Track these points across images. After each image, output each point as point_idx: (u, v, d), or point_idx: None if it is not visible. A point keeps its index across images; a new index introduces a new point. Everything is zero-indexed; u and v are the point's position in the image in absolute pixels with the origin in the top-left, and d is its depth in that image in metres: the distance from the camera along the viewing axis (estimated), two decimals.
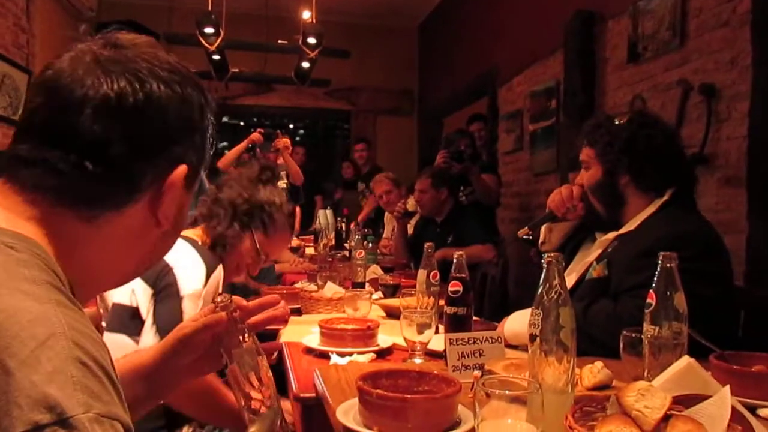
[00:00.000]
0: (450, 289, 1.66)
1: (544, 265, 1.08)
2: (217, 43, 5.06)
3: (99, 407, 0.55)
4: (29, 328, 0.56)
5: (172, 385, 1.06)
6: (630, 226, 1.83)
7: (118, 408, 0.57)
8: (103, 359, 0.59)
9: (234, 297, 1.03)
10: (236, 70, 6.20)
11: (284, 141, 5.14)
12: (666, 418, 0.92)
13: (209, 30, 4.96)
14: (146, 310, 1.63)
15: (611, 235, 1.87)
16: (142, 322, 1.62)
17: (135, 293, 1.64)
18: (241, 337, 0.98)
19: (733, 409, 0.94)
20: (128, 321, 1.63)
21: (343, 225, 4.82)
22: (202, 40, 4.99)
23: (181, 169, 0.76)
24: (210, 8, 5.10)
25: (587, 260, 1.89)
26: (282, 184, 5.35)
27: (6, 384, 0.53)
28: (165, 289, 1.63)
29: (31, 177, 0.70)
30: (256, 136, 5.03)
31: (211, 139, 0.83)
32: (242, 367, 0.95)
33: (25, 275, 0.61)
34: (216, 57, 5.53)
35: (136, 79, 0.72)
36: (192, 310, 1.60)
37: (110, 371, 0.59)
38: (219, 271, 1.74)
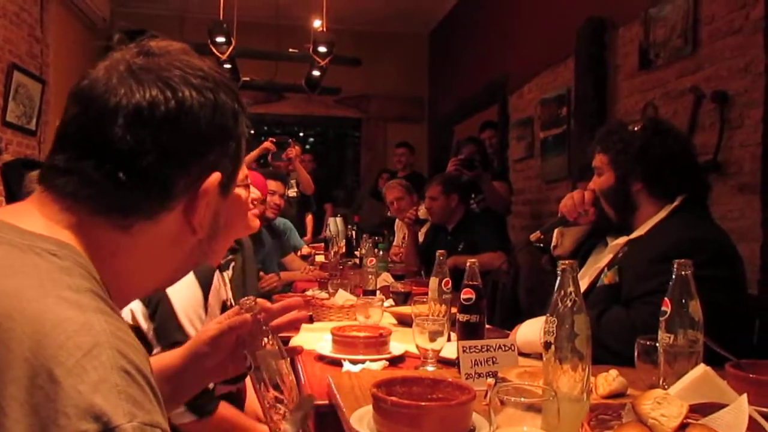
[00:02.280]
0: (463, 296, 1.65)
1: (559, 273, 1.08)
2: (228, 52, 5.09)
3: (142, 416, 0.56)
4: (74, 338, 0.57)
5: (196, 387, 1.08)
6: (641, 231, 1.82)
7: (159, 416, 0.59)
8: (144, 367, 0.60)
9: (258, 299, 1.04)
10: (247, 78, 6.23)
11: (296, 150, 5.16)
12: (683, 427, 0.91)
13: (220, 39, 4.99)
14: (146, 329, 1.60)
15: (622, 240, 1.86)
16: (147, 343, 1.58)
17: (133, 311, 1.61)
18: (264, 340, 0.98)
19: (750, 417, 0.94)
20: None
21: (354, 233, 4.82)
22: (214, 49, 5.02)
23: (215, 177, 0.76)
24: (221, 17, 5.14)
25: (599, 265, 1.89)
26: (292, 192, 5.38)
27: (54, 393, 0.54)
28: (159, 307, 1.59)
29: (67, 186, 0.70)
30: (268, 144, 5.05)
31: (245, 145, 0.83)
32: (266, 370, 0.96)
33: (68, 283, 0.62)
34: (227, 66, 5.56)
35: (168, 87, 0.72)
36: (191, 324, 1.59)
37: (151, 379, 0.60)
38: (217, 280, 1.72)
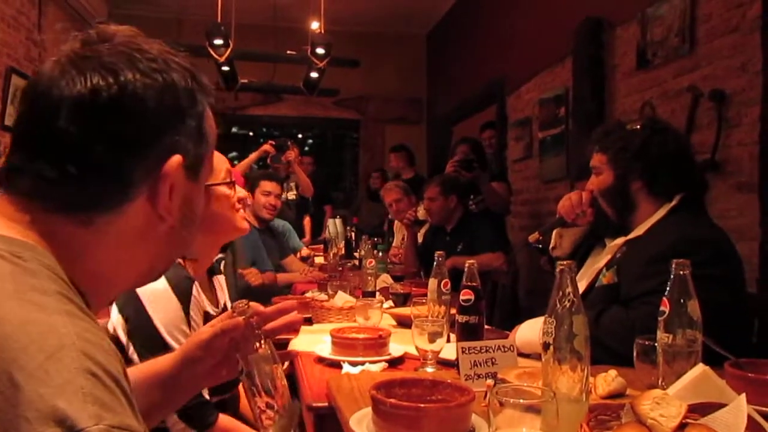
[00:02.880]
0: (462, 297, 1.65)
1: (557, 273, 1.08)
2: (226, 54, 5.09)
3: (110, 418, 0.54)
4: (38, 341, 0.55)
5: (189, 392, 1.06)
6: (639, 231, 1.82)
7: (130, 418, 0.56)
8: (114, 369, 0.58)
9: (251, 303, 1.03)
10: (245, 80, 6.23)
11: (294, 152, 5.16)
12: (682, 427, 0.91)
13: (218, 41, 4.99)
14: (125, 344, 1.55)
15: (620, 240, 1.86)
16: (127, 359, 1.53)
17: (114, 323, 1.57)
18: (257, 344, 0.98)
19: (749, 417, 0.94)
20: None
21: (353, 234, 4.82)
22: (212, 51, 5.02)
23: (175, 159, 0.72)
24: (219, 19, 5.14)
25: (597, 266, 1.89)
26: (291, 195, 5.38)
27: (14, 398, 0.52)
28: (139, 325, 1.55)
29: (23, 186, 0.69)
30: (267, 147, 5.05)
31: (210, 123, 0.79)
32: (258, 374, 0.96)
33: (34, 285, 0.61)
34: (225, 68, 5.57)
35: (110, 72, 0.69)
36: (175, 340, 1.57)
37: (121, 381, 0.58)
38: (196, 291, 1.65)
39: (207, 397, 1.59)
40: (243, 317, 1.00)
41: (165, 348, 1.50)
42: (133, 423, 0.56)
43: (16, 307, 0.57)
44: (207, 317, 1.65)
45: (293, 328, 1.11)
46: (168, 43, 0.78)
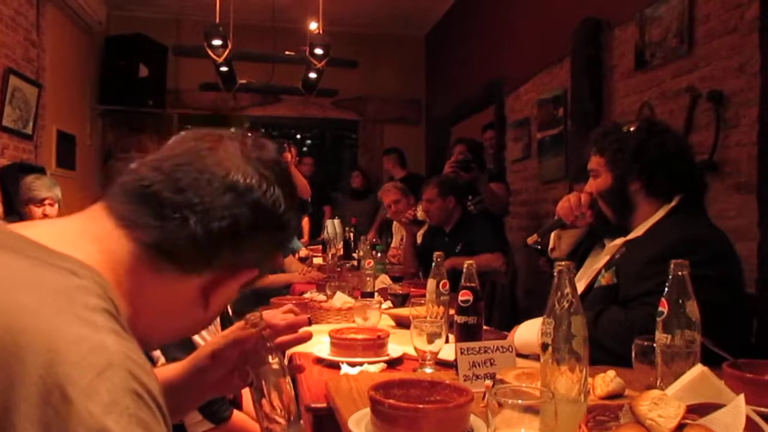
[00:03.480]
0: (460, 298, 1.65)
1: (556, 274, 1.08)
2: (224, 55, 5.08)
3: None
4: (89, 357, 0.57)
5: (197, 401, 1.08)
6: (638, 232, 1.82)
7: None
8: (155, 390, 0.61)
9: (264, 314, 1.03)
10: (244, 81, 6.22)
11: (291, 152, 5.16)
12: (680, 427, 0.91)
13: (217, 42, 4.98)
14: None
15: (619, 241, 1.86)
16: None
17: None
18: (268, 356, 0.98)
19: (748, 418, 0.94)
20: None
21: (352, 235, 4.82)
22: (210, 52, 5.02)
23: (251, 274, 0.81)
24: (218, 20, 5.13)
25: (596, 267, 1.89)
26: None
27: (66, 412, 0.54)
28: None
29: (130, 213, 0.73)
30: None
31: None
32: (267, 387, 0.96)
33: (84, 302, 0.62)
34: (224, 68, 5.56)
35: (266, 179, 0.78)
36: (200, 338, 1.59)
37: (160, 401, 0.61)
38: None
39: None
40: (256, 329, 1.00)
41: (192, 346, 1.52)
42: None
43: (67, 322, 0.59)
44: (222, 317, 1.68)
45: (300, 343, 1.12)
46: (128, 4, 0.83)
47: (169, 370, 1.04)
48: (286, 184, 0.81)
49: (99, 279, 0.67)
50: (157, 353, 1.57)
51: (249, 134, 0.83)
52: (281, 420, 0.95)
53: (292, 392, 0.98)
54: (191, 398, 1.05)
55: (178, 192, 0.74)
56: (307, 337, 1.12)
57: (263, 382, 0.96)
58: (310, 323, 2.35)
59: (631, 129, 1.88)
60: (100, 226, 0.73)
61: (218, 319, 1.68)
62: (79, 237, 0.71)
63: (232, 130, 0.83)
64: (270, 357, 0.98)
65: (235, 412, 1.67)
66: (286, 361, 1.03)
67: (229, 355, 1.02)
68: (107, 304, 0.65)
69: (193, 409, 1.10)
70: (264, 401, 0.95)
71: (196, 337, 1.59)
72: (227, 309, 1.85)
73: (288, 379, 0.98)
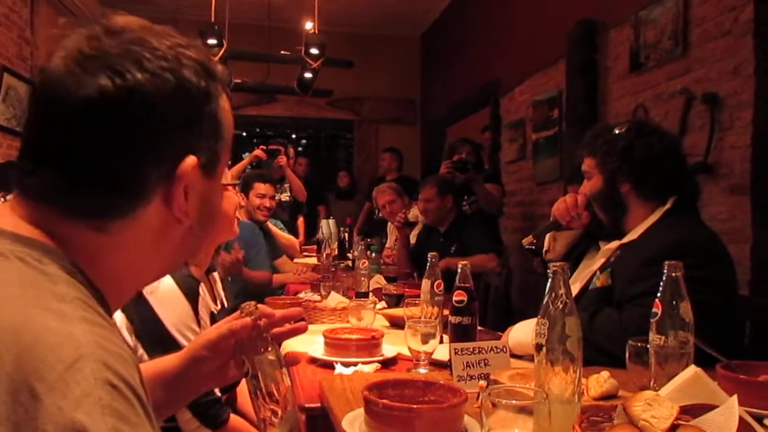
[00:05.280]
0: (455, 298, 1.65)
1: (550, 275, 1.08)
2: (220, 54, 5.07)
3: (127, 430, 0.54)
4: (57, 350, 0.54)
5: (193, 393, 1.06)
6: (633, 235, 1.83)
7: (147, 429, 0.57)
8: (132, 379, 0.58)
9: (260, 305, 1.03)
10: (239, 80, 6.21)
11: (287, 154, 5.17)
12: (673, 428, 0.91)
13: (212, 41, 4.98)
14: (132, 344, 1.58)
15: (614, 244, 1.87)
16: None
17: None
18: (264, 346, 0.98)
19: (741, 419, 0.94)
20: None
21: (346, 235, 4.82)
22: None
23: (189, 162, 0.70)
24: (213, 19, 5.13)
25: (591, 269, 1.90)
26: (285, 197, 5.38)
27: (35, 410, 0.52)
28: (148, 326, 1.57)
29: (37, 190, 0.67)
30: (259, 152, 5.06)
31: (225, 116, 0.76)
32: (263, 377, 0.95)
33: (53, 292, 0.60)
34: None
35: (117, 74, 0.65)
36: (184, 338, 1.58)
37: (139, 391, 0.58)
38: (202, 290, 1.69)
39: (218, 394, 1.60)
40: (251, 318, 1.00)
41: (176, 347, 1.51)
42: None
43: (35, 315, 0.57)
44: (212, 317, 1.68)
45: (294, 336, 1.11)
46: (179, 31, 0.74)
47: (164, 362, 1.03)
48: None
49: (65, 263, 0.64)
50: (141, 352, 1.56)
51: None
52: (278, 410, 0.95)
53: (289, 383, 0.97)
54: (187, 390, 1.04)
55: (42, 154, 0.67)
56: (303, 329, 1.10)
57: (259, 372, 0.96)
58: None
59: (621, 130, 1.88)
60: (26, 211, 0.67)
61: (209, 321, 1.68)
62: (16, 220, 0.66)
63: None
64: (265, 347, 0.98)
65: (233, 416, 1.67)
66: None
67: (225, 345, 1.01)
68: (78, 291, 0.62)
69: (189, 400, 1.08)
70: (260, 392, 0.95)
71: (180, 338, 1.57)
72: (223, 301, 1.84)
73: (284, 370, 0.98)
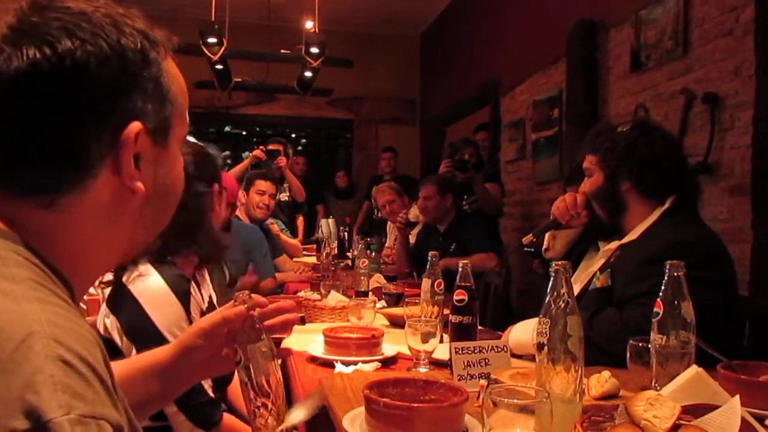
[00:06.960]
0: (455, 297, 1.65)
1: (552, 274, 1.08)
2: (220, 53, 5.07)
3: (82, 407, 0.52)
4: (7, 330, 0.53)
5: (186, 383, 1.05)
6: (632, 235, 1.83)
7: (106, 406, 0.54)
8: (90, 355, 0.55)
9: (254, 295, 1.03)
10: (239, 79, 6.21)
11: (282, 159, 5.19)
12: (675, 428, 0.91)
13: (212, 40, 4.97)
14: (121, 346, 1.56)
15: (614, 244, 1.87)
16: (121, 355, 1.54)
17: (106, 324, 1.59)
18: (257, 336, 0.98)
19: (743, 419, 0.94)
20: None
21: (346, 234, 4.82)
22: (205, 50, 5.00)
23: (133, 127, 0.67)
24: (213, 18, 5.12)
25: (591, 270, 1.89)
26: (284, 197, 5.39)
27: None
28: (139, 327, 1.55)
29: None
30: (258, 153, 5.07)
31: (172, 80, 0.74)
32: (255, 367, 0.95)
33: (2, 274, 0.59)
34: (219, 66, 5.55)
35: (46, 44, 0.64)
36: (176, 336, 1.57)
37: (97, 367, 0.56)
38: (193, 290, 1.68)
39: (212, 395, 1.60)
40: (245, 307, 0.99)
41: (163, 339, 1.51)
42: (108, 411, 0.54)
43: None
44: (203, 315, 1.67)
45: (286, 328, 1.10)
46: (120, 4, 0.72)
47: (157, 353, 1.02)
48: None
49: (15, 245, 0.63)
50: (133, 353, 1.55)
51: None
52: (268, 403, 0.94)
53: (280, 376, 0.97)
54: (180, 380, 1.03)
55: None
56: (294, 320, 1.09)
57: (251, 363, 0.95)
58: (303, 322, 2.34)
59: (625, 129, 1.88)
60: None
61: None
62: None
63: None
64: (258, 337, 0.97)
65: (226, 415, 1.66)
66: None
67: (218, 334, 1.00)
68: (28, 270, 0.61)
69: (182, 391, 1.07)
70: (251, 382, 0.95)
71: (167, 334, 1.56)
72: (212, 297, 1.84)
73: (276, 362, 0.98)
